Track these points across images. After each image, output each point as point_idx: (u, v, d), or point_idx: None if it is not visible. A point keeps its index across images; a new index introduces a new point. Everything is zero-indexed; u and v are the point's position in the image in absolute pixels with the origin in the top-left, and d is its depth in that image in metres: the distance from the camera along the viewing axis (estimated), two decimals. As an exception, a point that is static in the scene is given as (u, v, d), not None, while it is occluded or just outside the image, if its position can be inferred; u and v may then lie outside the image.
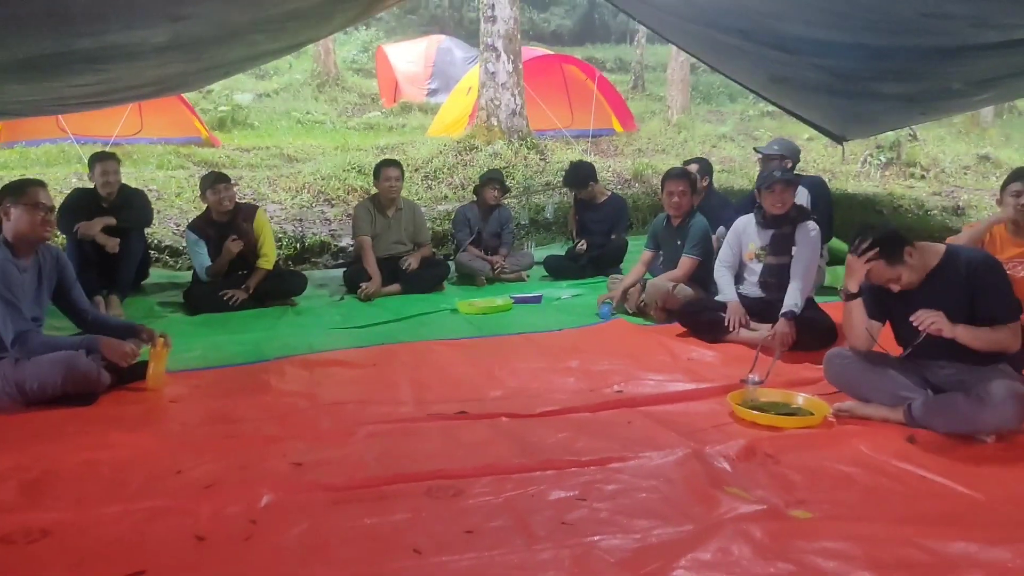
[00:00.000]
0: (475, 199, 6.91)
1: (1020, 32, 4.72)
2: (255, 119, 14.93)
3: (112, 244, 5.53)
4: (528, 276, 6.78)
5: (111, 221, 5.60)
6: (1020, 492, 2.67)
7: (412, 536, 2.33)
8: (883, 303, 3.39)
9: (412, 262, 6.23)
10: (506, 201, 7.10)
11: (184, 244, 7.09)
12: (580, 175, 6.81)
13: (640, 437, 3.18)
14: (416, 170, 10.17)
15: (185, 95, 12.12)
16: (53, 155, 10.36)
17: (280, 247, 7.20)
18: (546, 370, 4.17)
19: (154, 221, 7.04)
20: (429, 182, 10.02)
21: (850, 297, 3.40)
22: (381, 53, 18.75)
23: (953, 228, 7.00)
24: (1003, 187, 4.47)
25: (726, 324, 4.66)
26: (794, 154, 6.17)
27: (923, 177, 11.33)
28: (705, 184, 6.21)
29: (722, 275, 4.89)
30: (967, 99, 7.45)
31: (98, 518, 2.41)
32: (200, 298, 5.59)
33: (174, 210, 8.38)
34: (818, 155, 11.88)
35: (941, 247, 3.31)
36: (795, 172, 6.05)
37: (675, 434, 3.20)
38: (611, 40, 28.59)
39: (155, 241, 7.25)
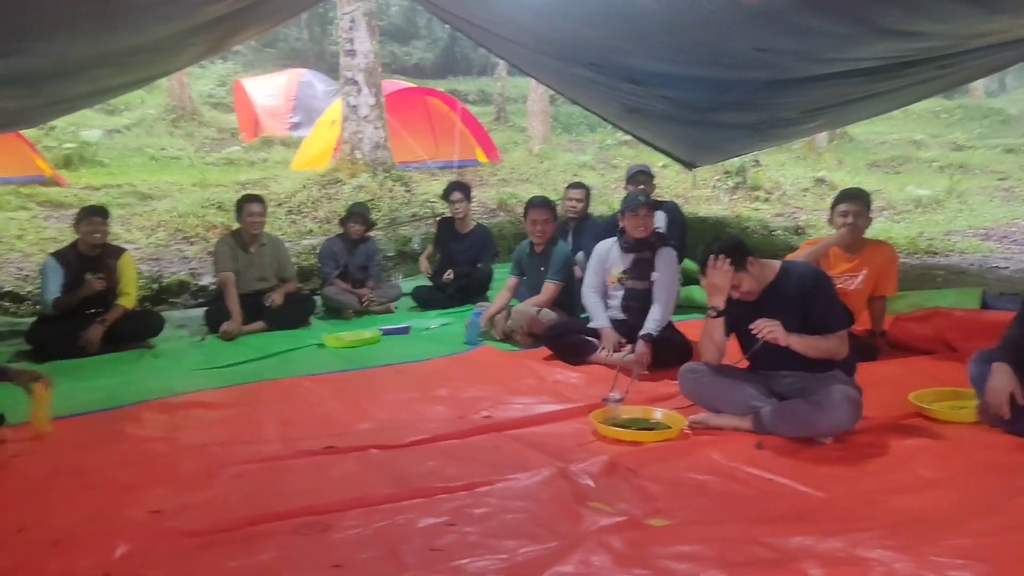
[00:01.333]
0: (341, 232, 6.86)
1: (840, 65, 5.19)
2: (105, 156, 14.20)
3: None
4: (396, 308, 6.77)
5: None
6: (855, 488, 2.90)
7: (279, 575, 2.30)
8: (729, 317, 3.62)
9: (276, 298, 6.11)
10: (372, 234, 7.08)
11: (28, 288, 6.69)
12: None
13: (508, 460, 3.25)
14: (280, 204, 9.99)
15: (24, 132, 11.42)
16: None
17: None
18: (415, 400, 4.19)
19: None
20: (293, 216, 9.86)
21: (719, 314, 3.59)
22: (239, 87, 18.34)
23: (794, 246, 7.53)
24: (832, 207, 4.89)
25: (601, 351, 4.78)
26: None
27: (767, 199, 12.10)
28: (583, 206, 6.49)
29: (591, 301, 5.02)
30: (801, 127, 8.05)
31: (-69, 585, 2.24)
32: (48, 343, 5.28)
33: (15, 253, 7.89)
34: (672, 181, 12.46)
35: (777, 263, 3.58)
36: (652, 197, 6.39)
37: (542, 455, 3.29)
38: (473, 73, 29.06)
39: (-6, 287, 6.79)
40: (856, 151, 17.36)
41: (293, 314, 6.21)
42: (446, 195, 6.97)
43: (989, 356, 3.52)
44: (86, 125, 15.76)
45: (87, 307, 5.45)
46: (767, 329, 3.30)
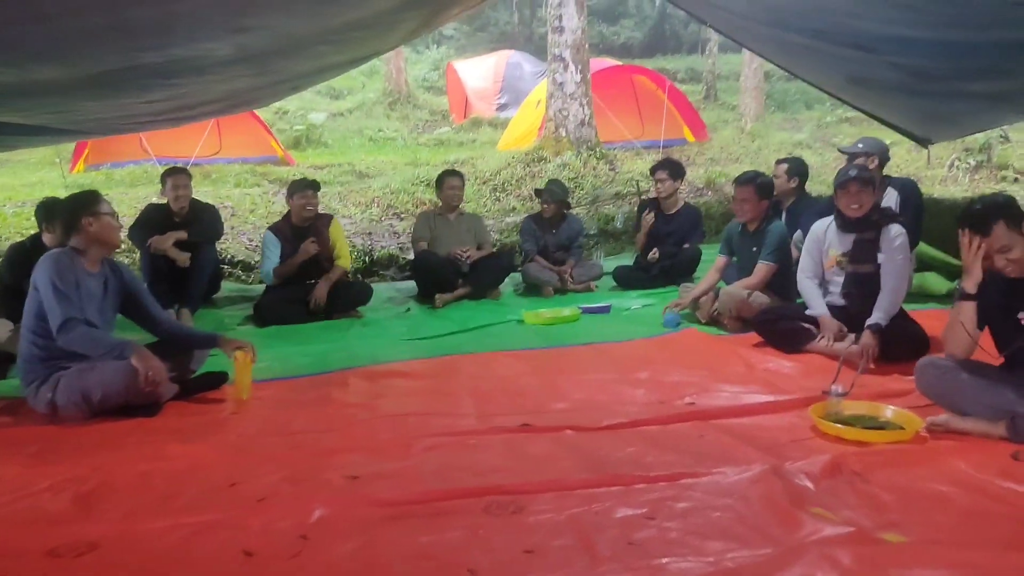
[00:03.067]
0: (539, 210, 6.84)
1: None
2: (329, 137, 15.18)
3: (183, 258, 5.60)
4: (596, 287, 6.61)
5: (182, 235, 5.67)
6: None
7: (468, 555, 2.20)
8: (986, 305, 3.12)
9: (472, 253, 6.28)
10: (575, 211, 6.97)
11: (257, 258, 7.18)
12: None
13: (714, 452, 2.99)
14: (484, 183, 10.13)
15: (261, 116, 12.40)
16: (137, 175, 10.71)
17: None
18: (614, 382, 4.00)
19: (227, 236, 7.15)
20: (497, 194, 9.96)
21: (965, 297, 3.13)
22: (451, 70, 18.89)
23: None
24: None
25: (819, 340, 4.37)
26: (881, 152, 5.81)
27: (1017, 180, 10.70)
28: (794, 186, 5.97)
29: (807, 287, 4.57)
30: (1064, 96, 6.99)
31: (146, 532, 2.34)
32: (270, 310, 5.62)
33: (248, 226, 8.51)
34: (902, 160, 11.36)
35: None
36: (884, 174, 5.76)
37: (752, 449, 2.99)
38: (682, 51, 28.19)
39: (227, 255, 7.35)
40: None
41: (491, 272, 6.36)
42: (652, 172, 6.71)
43: None
44: (313, 109, 16.92)
45: (307, 277, 5.74)
46: None
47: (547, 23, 11.53)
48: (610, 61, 16.23)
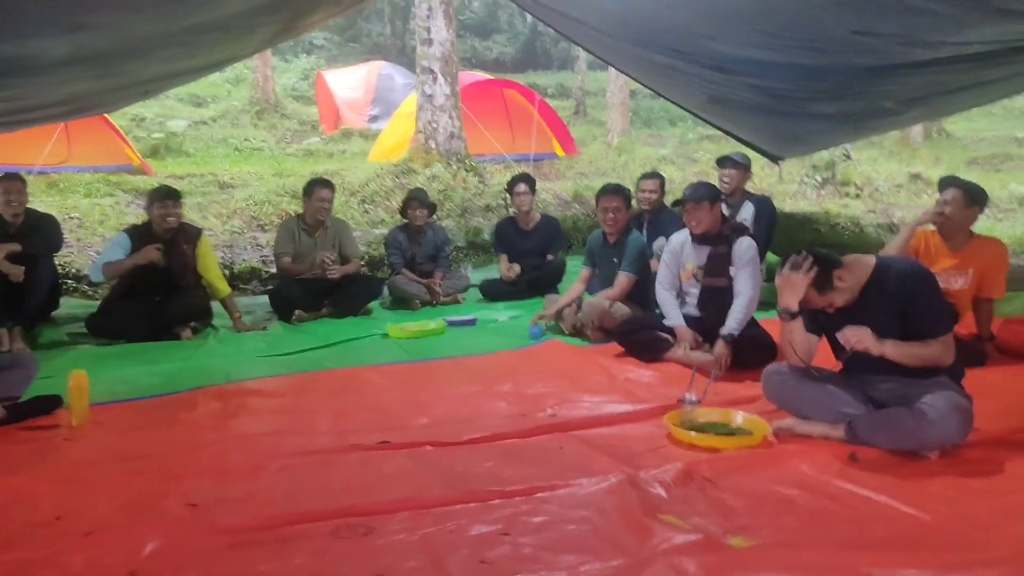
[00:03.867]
0: (405, 222, 6.69)
1: (946, 50, 4.73)
2: (190, 146, 14.50)
3: (16, 271, 5.16)
4: (464, 299, 6.57)
5: (16, 248, 5.23)
6: (968, 511, 2.53)
7: (313, 583, 2.10)
8: (817, 317, 3.28)
9: (329, 262, 5.92)
10: (443, 223, 6.91)
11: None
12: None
13: (572, 463, 2.99)
14: (352, 194, 9.94)
15: (115, 122, 11.70)
16: (-31, 183, 9.86)
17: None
18: (477, 395, 3.96)
19: (72, 249, 6.68)
20: (366, 206, 9.79)
21: (790, 316, 3.27)
22: (321, 80, 18.51)
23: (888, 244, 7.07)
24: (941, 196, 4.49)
25: (676, 349, 4.49)
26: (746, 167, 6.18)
27: (858, 196, 11.46)
28: (657, 198, 6.16)
29: (664, 298, 4.71)
30: (899, 116, 7.50)
31: (-49, 575, 2.12)
32: (107, 323, 5.25)
33: (96, 238, 7.98)
34: (757, 176, 11.96)
35: (872, 259, 3.19)
36: (745, 190, 6.05)
37: (609, 459, 3.02)
38: (553, 67, 28.85)
39: (71, 269, 6.87)
40: (954, 148, 16.44)
41: (356, 296, 6.09)
42: (511, 187, 6.75)
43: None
44: (174, 116, 16.16)
45: (155, 291, 5.39)
46: (855, 339, 2.96)
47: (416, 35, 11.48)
48: (482, 75, 16.34)
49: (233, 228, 8.77)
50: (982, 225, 9.04)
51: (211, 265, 5.62)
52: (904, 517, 2.50)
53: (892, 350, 2.99)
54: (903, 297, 3.05)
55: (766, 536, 2.37)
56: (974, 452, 3.02)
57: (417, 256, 6.53)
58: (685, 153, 15.15)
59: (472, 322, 5.67)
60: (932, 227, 4.52)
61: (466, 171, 10.65)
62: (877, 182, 11.95)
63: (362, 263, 6.58)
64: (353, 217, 9.20)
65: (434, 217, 6.92)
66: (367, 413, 3.70)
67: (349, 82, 17.96)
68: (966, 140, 17.25)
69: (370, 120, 17.20)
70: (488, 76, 16.72)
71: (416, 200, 6.54)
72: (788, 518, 2.52)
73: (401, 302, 6.35)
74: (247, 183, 10.93)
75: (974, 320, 4.54)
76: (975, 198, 4.40)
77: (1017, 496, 2.67)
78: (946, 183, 4.52)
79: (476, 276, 7.11)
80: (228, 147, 15.07)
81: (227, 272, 7.28)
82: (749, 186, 7.03)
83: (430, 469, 2.93)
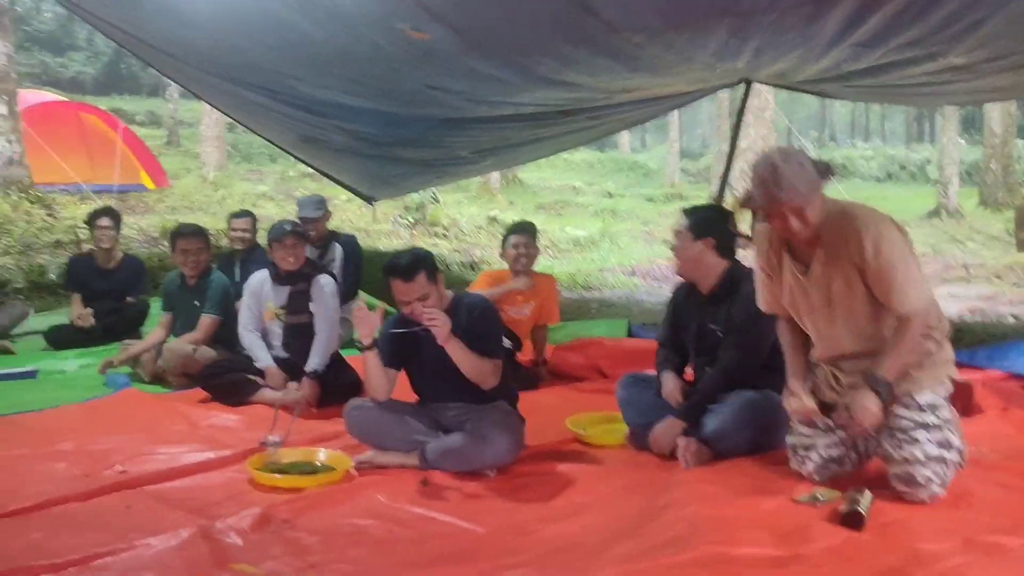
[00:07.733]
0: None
1: (506, 108, 5.40)
2: None
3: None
4: (15, 348, 5.78)
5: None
6: (512, 520, 2.87)
7: None
8: (400, 352, 3.48)
9: None
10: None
11: None
12: None
13: (139, 522, 2.79)
14: None
15: None
16: None
17: None
18: (27, 458, 3.49)
19: None
20: None
21: (366, 349, 3.43)
22: None
23: (468, 280, 7.75)
24: (504, 240, 5.11)
25: (264, 390, 4.44)
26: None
27: (445, 236, 12.45)
28: (250, 236, 6.08)
29: (249, 340, 4.64)
30: (474, 165, 8.32)
31: None
32: None
33: None
34: (353, 215, 12.36)
35: (450, 294, 3.52)
36: (331, 231, 6.21)
37: (183, 513, 2.88)
38: (142, 92, 26.86)
39: None
40: (526, 194, 18.68)
41: None
42: (92, 220, 6.15)
43: (634, 380, 3.81)
44: None
45: None
46: (430, 317, 3.17)
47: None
48: (52, 95, 14.67)
49: None
50: (544, 264, 10.41)
51: None
52: (461, 532, 2.76)
53: (457, 347, 3.22)
54: (471, 328, 3.35)
55: (336, 570, 2.45)
56: (525, 467, 3.42)
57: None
58: (286, 190, 15.11)
59: (32, 374, 5.02)
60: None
61: (30, 202, 9.44)
62: (461, 223, 13.08)
63: None
64: None
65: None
66: None
67: None
68: (536, 187, 19.71)
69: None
70: (62, 97, 15.08)
71: None
72: (358, 549, 2.62)
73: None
74: None
75: (533, 348, 5.22)
76: (536, 236, 5.17)
77: (555, 501, 3.09)
78: (515, 228, 5.21)
79: (41, 321, 6.31)
80: None
81: None
82: (344, 224, 7.26)
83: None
